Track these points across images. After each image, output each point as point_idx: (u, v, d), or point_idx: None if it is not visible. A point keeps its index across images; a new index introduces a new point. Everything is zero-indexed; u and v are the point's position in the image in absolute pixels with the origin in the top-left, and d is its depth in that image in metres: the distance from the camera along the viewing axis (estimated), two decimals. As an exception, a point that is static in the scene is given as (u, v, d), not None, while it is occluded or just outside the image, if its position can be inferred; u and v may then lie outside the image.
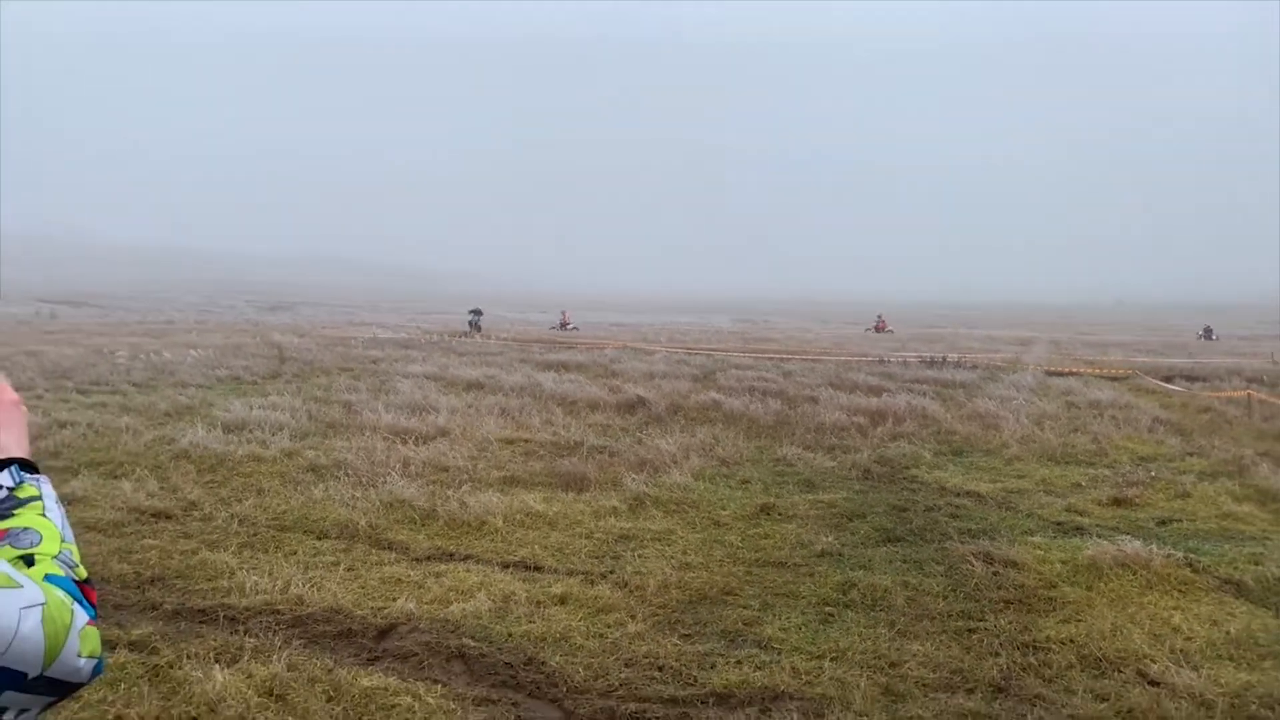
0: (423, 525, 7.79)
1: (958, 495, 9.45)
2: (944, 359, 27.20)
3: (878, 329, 56.12)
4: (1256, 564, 6.86)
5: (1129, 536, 7.35)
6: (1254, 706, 4.64)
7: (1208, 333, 51.96)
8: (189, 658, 4.90)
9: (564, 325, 49.03)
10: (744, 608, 6.02)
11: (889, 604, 6.12)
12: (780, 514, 8.48)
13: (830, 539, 7.61)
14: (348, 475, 9.29)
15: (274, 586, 6.10)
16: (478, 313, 43.40)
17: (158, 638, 5.22)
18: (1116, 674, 5.06)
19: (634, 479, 9.36)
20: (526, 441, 11.77)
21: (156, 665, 4.85)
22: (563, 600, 6.03)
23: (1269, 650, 5.35)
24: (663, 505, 8.63)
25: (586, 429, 12.78)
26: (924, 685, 4.89)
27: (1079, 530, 7.96)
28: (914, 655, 5.25)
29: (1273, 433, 13.46)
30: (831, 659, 5.21)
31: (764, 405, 15.05)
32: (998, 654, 5.32)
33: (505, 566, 6.78)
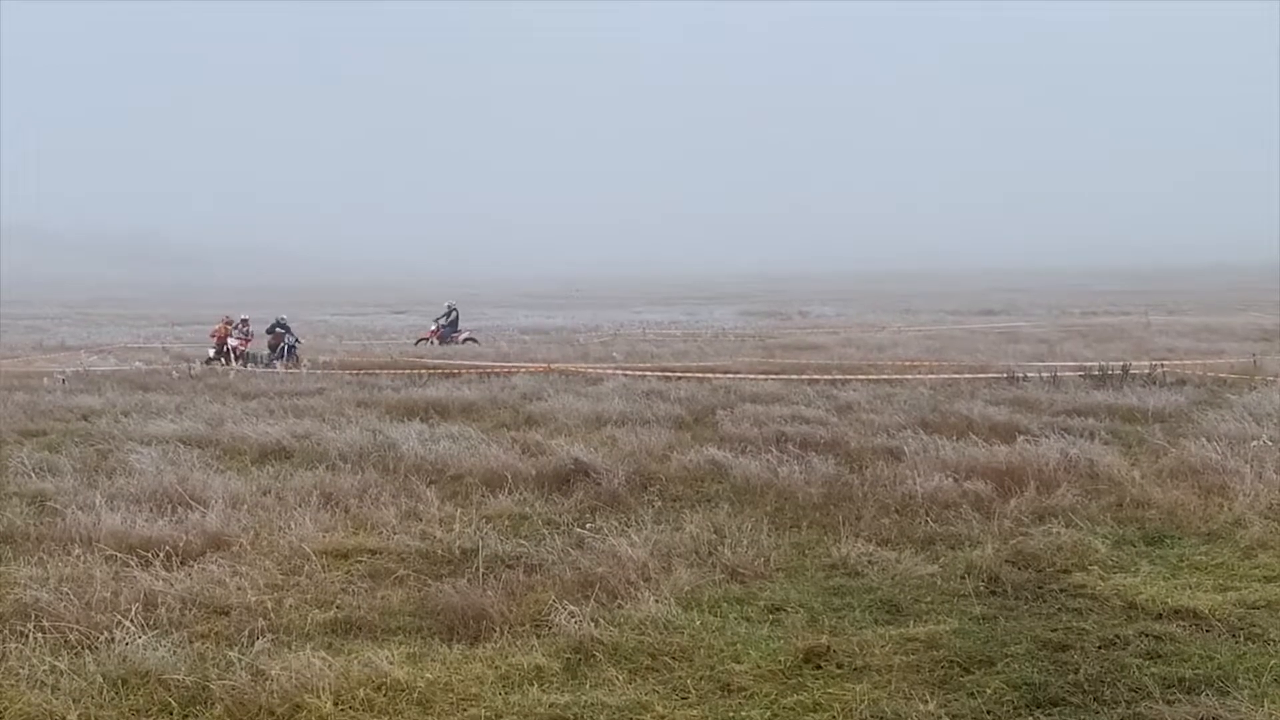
0: None
1: (1158, 617, 9.54)
2: (1125, 370, 27.50)
3: None
4: None
5: None
6: None
7: None
8: None
9: (436, 336, 48.08)
10: None
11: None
12: (840, 664, 8.50)
13: (932, 707, 7.66)
14: (41, 630, 9.16)
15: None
16: (281, 329, 42.50)
17: None
18: None
19: (572, 612, 9.34)
20: (372, 553, 11.70)
21: None
22: None
23: None
24: (626, 659, 8.62)
25: (483, 525, 12.75)
26: None
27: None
28: None
29: None
30: None
31: (805, 467, 15.11)
32: None
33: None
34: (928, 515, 13.00)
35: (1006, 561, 11.13)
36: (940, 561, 11.25)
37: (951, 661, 8.56)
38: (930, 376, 27.65)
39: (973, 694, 7.96)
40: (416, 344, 47.80)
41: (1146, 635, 9.08)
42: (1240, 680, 8.01)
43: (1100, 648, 8.81)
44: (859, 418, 20.22)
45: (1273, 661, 8.43)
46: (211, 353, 40.36)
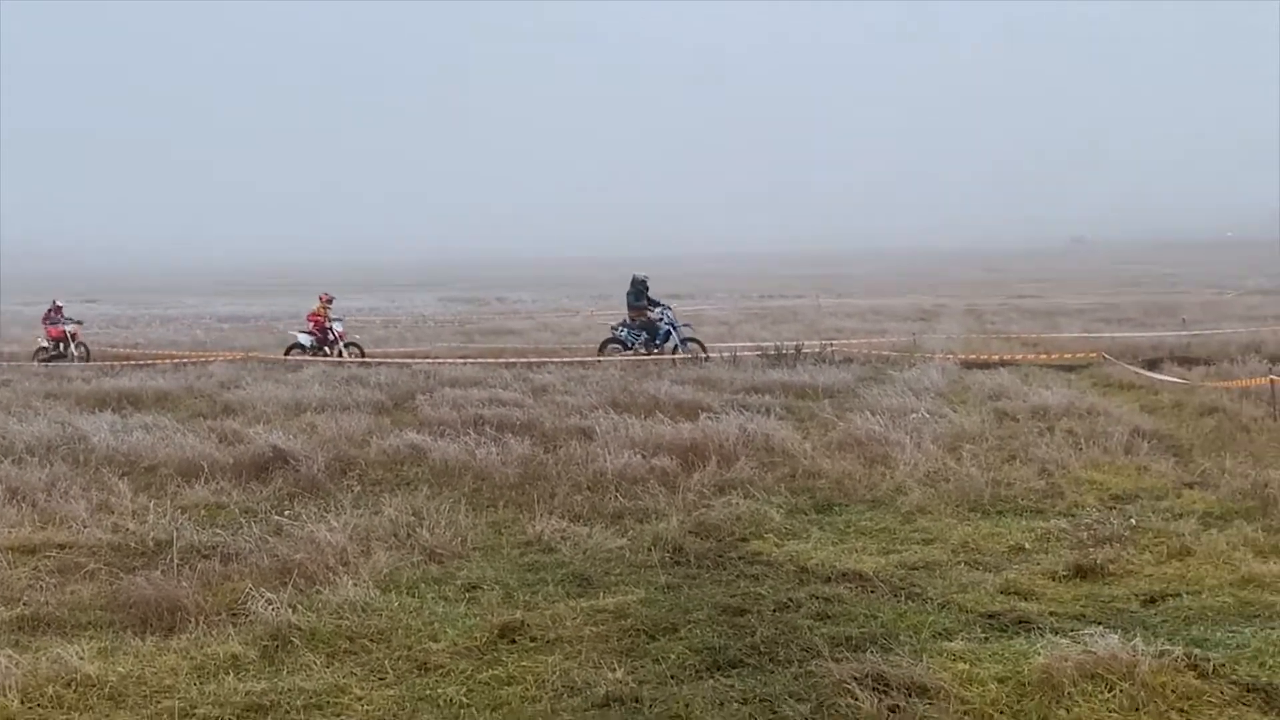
0: None
1: (828, 580, 9.74)
2: (798, 350, 28.17)
3: None
4: (1294, 657, 7.46)
5: (1100, 628, 7.79)
6: None
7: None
8: None
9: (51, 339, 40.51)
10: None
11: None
12: (534, 638, 8.42)
13: (620, 674, 7.62)
14: None
15: None
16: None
17: None
18: None
19: (270, 600, 9.02)
20: (62, 548, 11.23)
21: None
22: None
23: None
24: (324, 643, 8.36)
25: (179, 515, 12.29)
26: None
27: (1023, 624, 8.38)
28: None
29: (1311, 441, 14.80)
30: None
31: (502, 448, 15.06)
32: None
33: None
34: (618, 491, 13.05)
35: (690, 532, 11.24)
36: (629, 535, 11.28)
37: (638, 630, 8.56)
38: (620, 358, 27.86)
39: (657, 660, 7.96)
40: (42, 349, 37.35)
41: (817, 597, 9.24)
42: (901, 637, 8.19)
43: (775, 611, 8.92)
44: (554, 399, 20.25)
45: (930, 618, 8.67)
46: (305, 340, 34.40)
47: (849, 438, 15.47)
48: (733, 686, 7.42)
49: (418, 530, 11.35)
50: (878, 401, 18.72)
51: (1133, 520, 11.19)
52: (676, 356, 28.61)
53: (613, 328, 31.98)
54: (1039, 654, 7.40)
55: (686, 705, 7.17)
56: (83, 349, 36.42)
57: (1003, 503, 12.34)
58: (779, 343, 29.33)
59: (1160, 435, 15.63)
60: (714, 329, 40.62)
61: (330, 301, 34.96)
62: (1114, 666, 7.07)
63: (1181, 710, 6.77)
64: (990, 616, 8.66)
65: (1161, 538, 10.53)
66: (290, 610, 8.87)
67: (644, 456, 14.41)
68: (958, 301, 61.22)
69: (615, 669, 7.74)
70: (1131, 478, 13.39)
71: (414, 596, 9.50)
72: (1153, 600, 8.99)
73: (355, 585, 9.52)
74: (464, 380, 23.27)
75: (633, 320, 30.37)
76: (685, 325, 31.09)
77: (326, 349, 33.43)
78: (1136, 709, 6.77)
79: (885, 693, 7.07)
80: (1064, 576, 9.62)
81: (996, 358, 27.82)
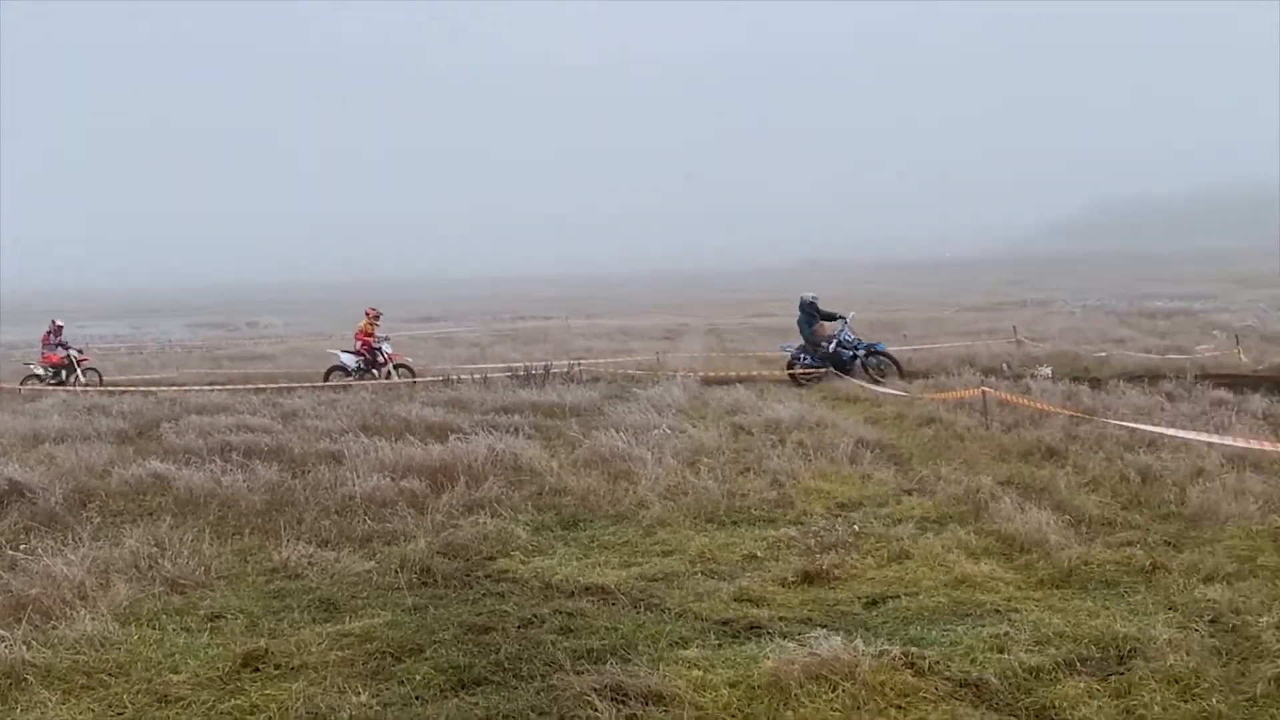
0: None
1: (571, 595, 9.82)
2: (546, 370, 28.37)
3: None
4: (1000, 651, 7.82)
5: (825, 631, 8.04)
6: None
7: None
8: None
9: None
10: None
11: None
12: (278, 665, 8.26)
13: (364, 698, 7.55)
14: None
15: None
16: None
17: None
18: None
19: (3, 637, 8.67)
20: None
21: None
22: None
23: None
24: (60, 679, 8.06)
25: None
26: None
27: (754, 630, 8.59)
28: None
29: (1018, 448, 15.49)
30: None
31: (249, 475, 14.77)
32: None
33: None
34: (366, 514, 12.91)
35: (438, 553, 11.17)
36: (377, 558, 11.17)
37: (384, 652, 8.49)
38: (373, 382, 27.59)
39: (403, 681, 7.92)
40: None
41: (560, 612, 9.31)
42: (640, 647, 8.30)
43: (520, 627, 8.96)
44: (303, 424, 19.92)
45: (668, 628, 8.81)
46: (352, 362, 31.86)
47: (594, 455, 15.59)
48: (477, 704, 7.43)
49: (160, 561, 11.01)
50: (622, 419, 18.92)
51: (856, 527, 11.58)
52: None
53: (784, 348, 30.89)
54: (768, 658, 7.61)
55: (432, 724, 7.17)
56: (92, 374, 33.66)
57: (738, 513, 12.60)
58: (528, 363, 29.45)
59: (882, 445, 16.17)
60: (466, 350, 40.64)
61: (378, 317, 32.23)
62: (837, 667, 7.31)
63: (899, 707, 7.04)
64: (724, 624, 8.84)
65: (882, 542, 10.91)
66: (24, 647, 8.53)
67: (393, 479, 14.29)
68: (699, 321, 62.17)
69: (360, 693, 7.66)
70: (856, 486, 13.80)
71: (155, 628, 9.21)
72: (874, 602, 9.30)
73: (93, 619, 9.19)
74: (211, 407, 22.71)
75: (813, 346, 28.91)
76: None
77: (375, 371, 31.01)
78: (858, 707, 7.01)
79: (624, 702, 7.18)
80: (793, 582, 9.88)
81: (734, 374, 28.41)
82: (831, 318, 29.16)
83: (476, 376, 28.34)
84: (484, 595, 9.95)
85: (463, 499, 13.43)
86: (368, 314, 32.08)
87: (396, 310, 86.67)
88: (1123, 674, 7.42)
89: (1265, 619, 8.10)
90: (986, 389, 19.45)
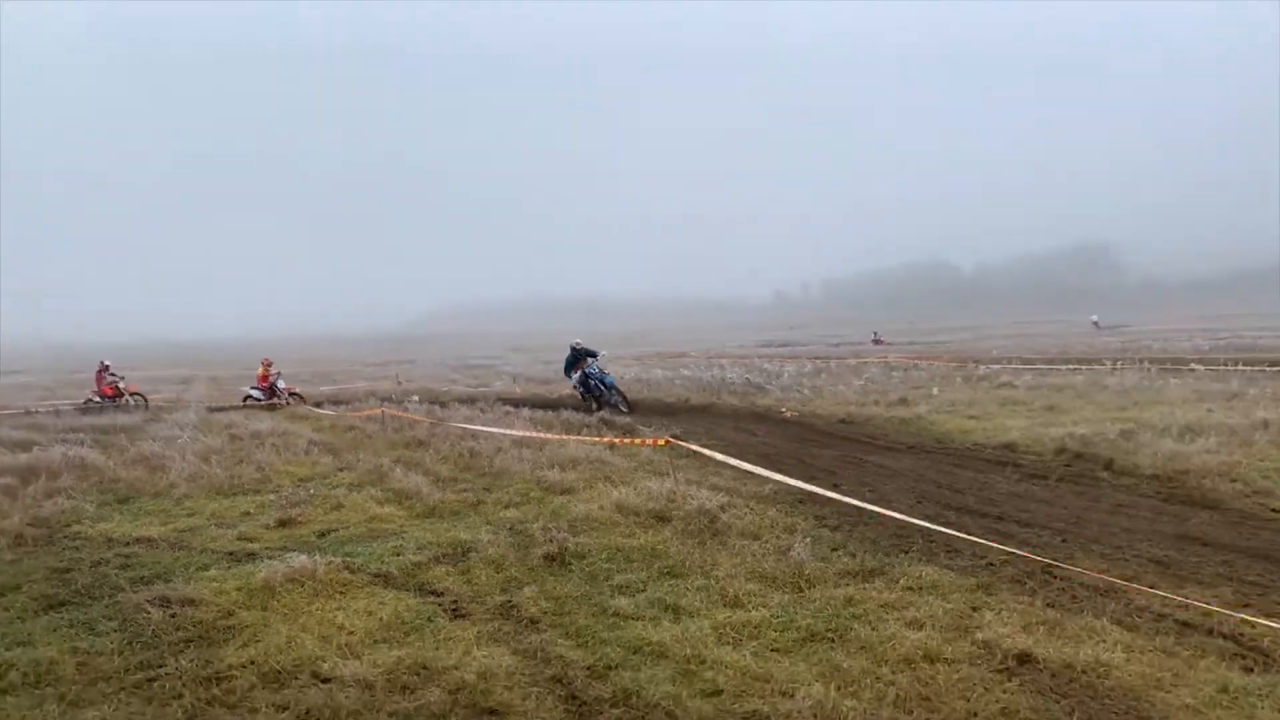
0: None
1: (127, 544, 8.71)
2: (87, 403, 25.27)
3: (875, 342, 57.75)
4: (398, 555, 7.84)
5: (296, 552, 7.69)
6: (405, 675, 5.32)
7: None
8: None
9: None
10: None
11: (57, 676, 5.38)
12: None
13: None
14: None
15: None
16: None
17: None
18: (294, 681, 5.28)
19: None
20: None
21: None
22: None
23: (412, 626, 6.18)
24: None
25: None
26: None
27: (251, 556, 8.04)
28: (91, 724, 4.71)
29: (402, 442, 15.46)
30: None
31: None
32: (181, 695, 5.10)
33: None
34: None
35: (29, 525, 9.47)
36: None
37: (-10, 591, 7.14)
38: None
39: (6, 609, 6.71)
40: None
41: (120, 555, 8.24)
42: (177, 573, 7.51)
43: (92, 566, 7.85)
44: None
45: (195, 559, 7.99)
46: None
47: (140, 456, 13.80)
48: (64, 618, 6.45)
49: None
50: (158, 433, 16.92)
51: (310, 491, 11.08)
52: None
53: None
54: (260, 571, 7.15)
55: (29, 634, 6.14)
56: (139, 399, 25.84)
57: (237, 488, 11.63)
58: (79, 401, 25.76)
59: (324, 444, 15.51)
60: (38, 392, 34.35)
61: (270, 365, 26.59)
62: (304, 572, 7.04)
63: (341, 592, 6.87)
64: (231, 554, 8.18)
65: (327, 500, 10.51)
66: None
67: None
68: (203, 372, 56.27)
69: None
70: (309, 468, 13.18)
71: None
72: (324, 534, 8.96)
73: None
74: None
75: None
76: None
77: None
78: (317, 595, 6.78)
79: (168, 607, 6.51)
80: (273, 527, 9.30)
81: (228, 404, 26.13)
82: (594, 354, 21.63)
83: (50, 409, 24.22)
84: (64, 550, 8.59)
85: (46, 488, 11.43)
86: (263, 363, 26.71)
87: None
88: (465, 561, 7.69)
89: (535, 526, 8.63)
90: (384, 409, 19.25)
